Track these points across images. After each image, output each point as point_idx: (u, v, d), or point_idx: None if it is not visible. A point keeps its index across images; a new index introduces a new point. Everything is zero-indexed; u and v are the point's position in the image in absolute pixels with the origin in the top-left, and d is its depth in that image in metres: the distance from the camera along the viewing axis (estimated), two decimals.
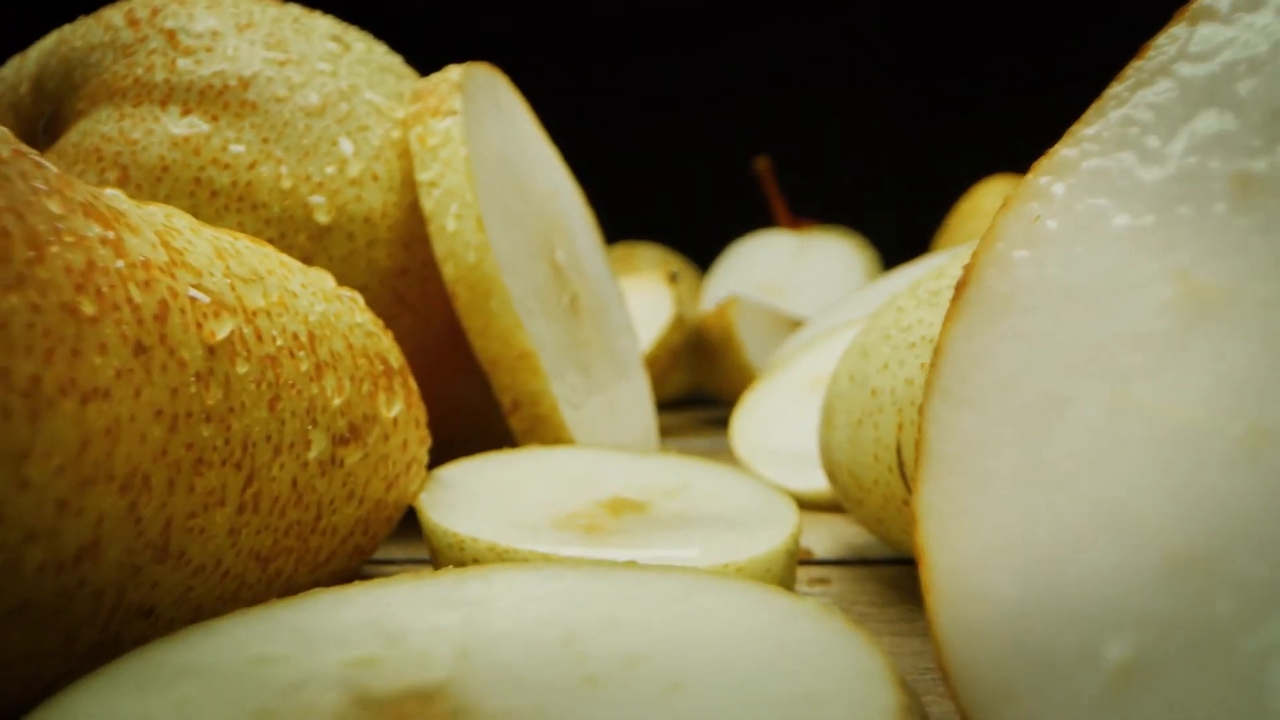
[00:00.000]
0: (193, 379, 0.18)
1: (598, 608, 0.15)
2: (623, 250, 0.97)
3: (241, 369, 0.20)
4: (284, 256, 0.24)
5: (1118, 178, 0.14)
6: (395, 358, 0.26)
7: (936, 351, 0.15)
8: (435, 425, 0.39)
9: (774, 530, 0.26)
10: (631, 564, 0.24)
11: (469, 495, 0.28)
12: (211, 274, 0.20)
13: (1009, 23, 1.04)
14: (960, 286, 0.15)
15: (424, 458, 0.27)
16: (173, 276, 0.19)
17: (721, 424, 0.68)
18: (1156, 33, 0.15)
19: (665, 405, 0.77)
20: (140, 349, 0.17)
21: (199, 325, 0.19)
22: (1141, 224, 0.14)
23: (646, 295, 0.70)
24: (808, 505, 0.40)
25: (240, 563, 0.20)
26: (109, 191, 0.20)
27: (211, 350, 0.19)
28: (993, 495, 0.13)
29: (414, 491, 0.27)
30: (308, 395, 0.22)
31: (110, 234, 0.17)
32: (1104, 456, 0.13)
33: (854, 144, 1.10)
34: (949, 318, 0.15)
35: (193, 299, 0.19)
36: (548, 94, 0.60)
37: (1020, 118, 1.01)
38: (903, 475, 0.25)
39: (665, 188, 1.09)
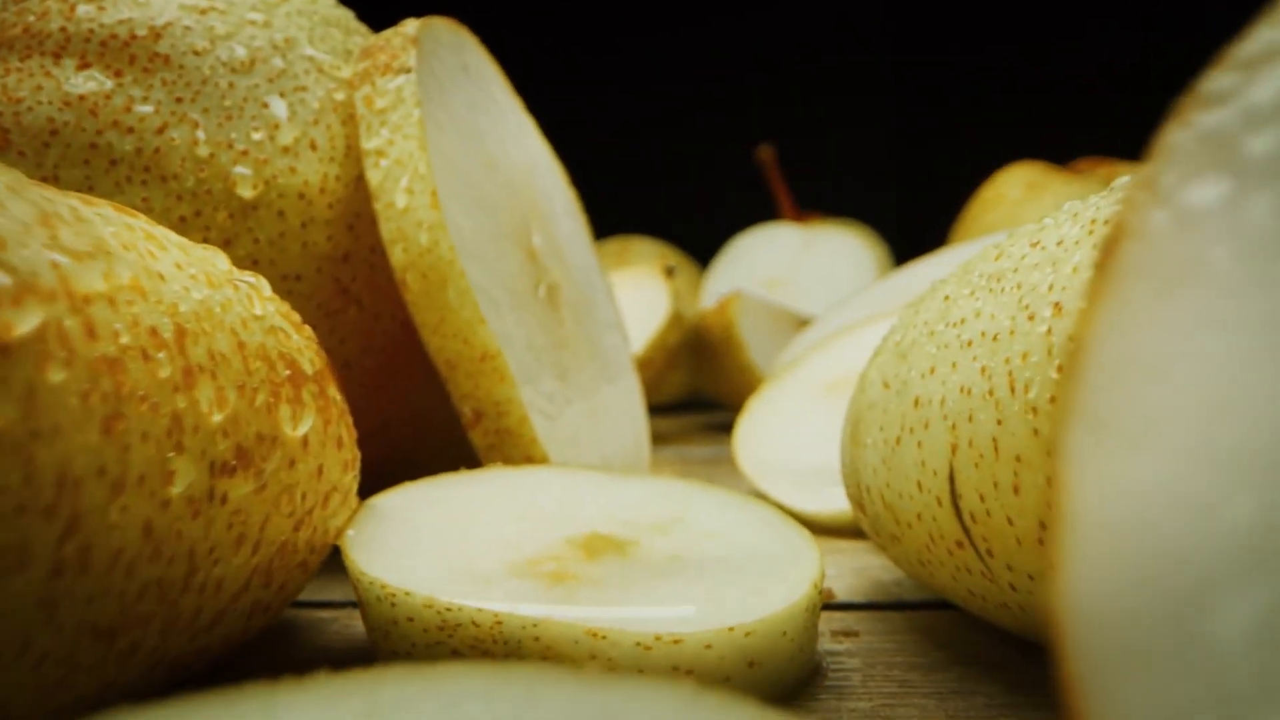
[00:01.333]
0: None
1: None
2: (617, 245, 0.92)
3: (56, 376, 0.14)
4: (161, 230, 0.19)
5: None
6: (310, 360, 0.20)
7: (1075, 353, 0.09)
8: (392, 439, 0.34)
9: (791, 579, 0.21)
10: (595, 640, 0.18)
11: (409, 531, 0.22)
12: (23, 246, 0.14)
13: (1011, 13, 0.99)
14: (1109, 246, 0.09)
15: (350, 485, 0.22)
16: None
17: (722, 429, 0.63)
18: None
19: (662, 409, 0.72)
20: None
21: None
22: None
23: (641, 291, 0.65)
24: (823, 530, 0.34)
25: (65, 643, 0.15)
26: None
27: (4, 351, 0.13)
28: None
29: (337, 528, 0.22)
30: (169, 411, 0.16)
31: None
32: None
33: (855, 135, 1.05)
34: (1093, 298, 0.09)
35: None
36: (538, 78, 0.54)
37: (1023, 109, 0.96)
38: (957, 511, 0.20)
39: (663, 179, 1.03)
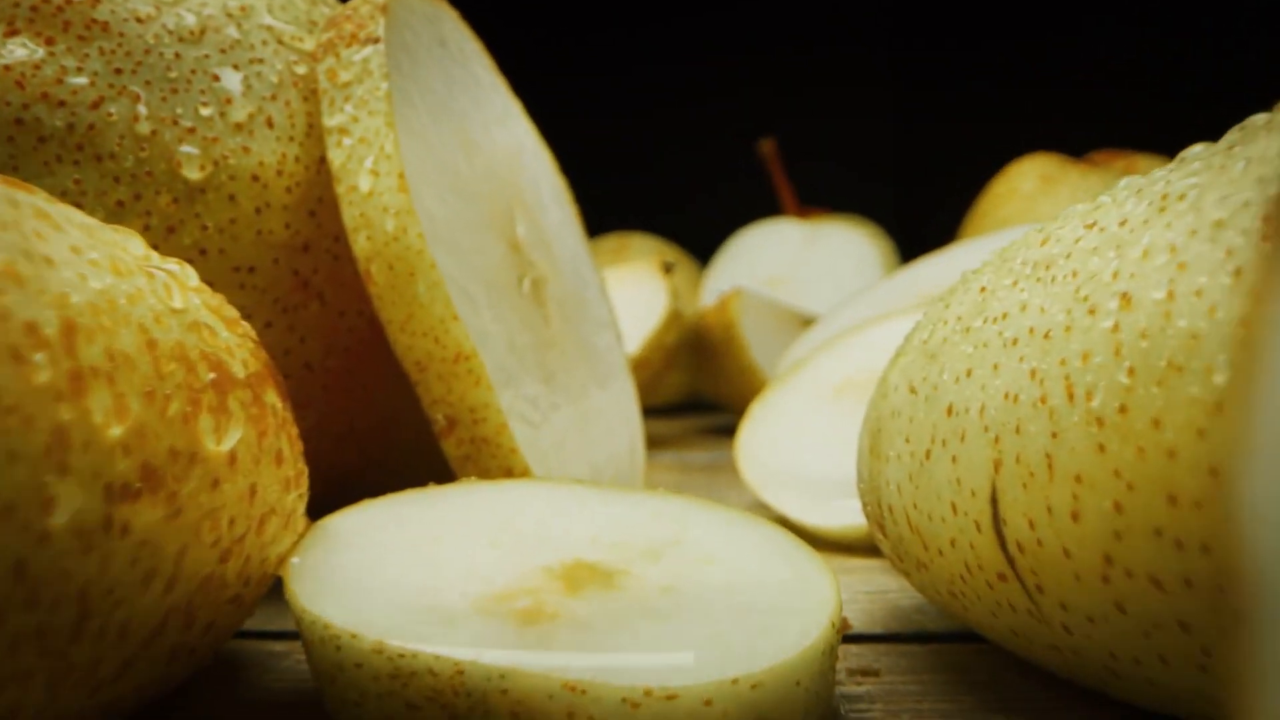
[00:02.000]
0: None
1: None
2: (614, 241, 0.89)
3: None
4: (61, 208, 0.16)
5: None
6: (243, 362, 0.17)
7: (1249, 348, 0.06)
8: (362, 446, 0.31)
9: (804, 614, 0.18)
10: (573, 695, 0.15)
11: (363, 559, 0.19)
12: None
13: (1014, 6, 0.96)
14: None
15: (293, 506, 0.19)
16: None
17: (722, 432, 0.60)
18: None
19: (660, 411, 0.69)
20: None
21: None
22: None
23: (637, 288, 0.62)
24: (832, 546, 0.32)
25: None
26: None
27: None
28: None
29: (279, 555, 0.19)
30: (48, 425, 0.13)
31: None
32: None
33: (859, 128, 1.02)
34: (1273, 267, 0.06)
35: None
36: (531, 68, 0.52)
37: (1026, 103, 0.93)
38: (1000, 538, 0.17)
39: (661, 173, 1.00)
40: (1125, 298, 0.15)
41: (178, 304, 0.16)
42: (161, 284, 0.16)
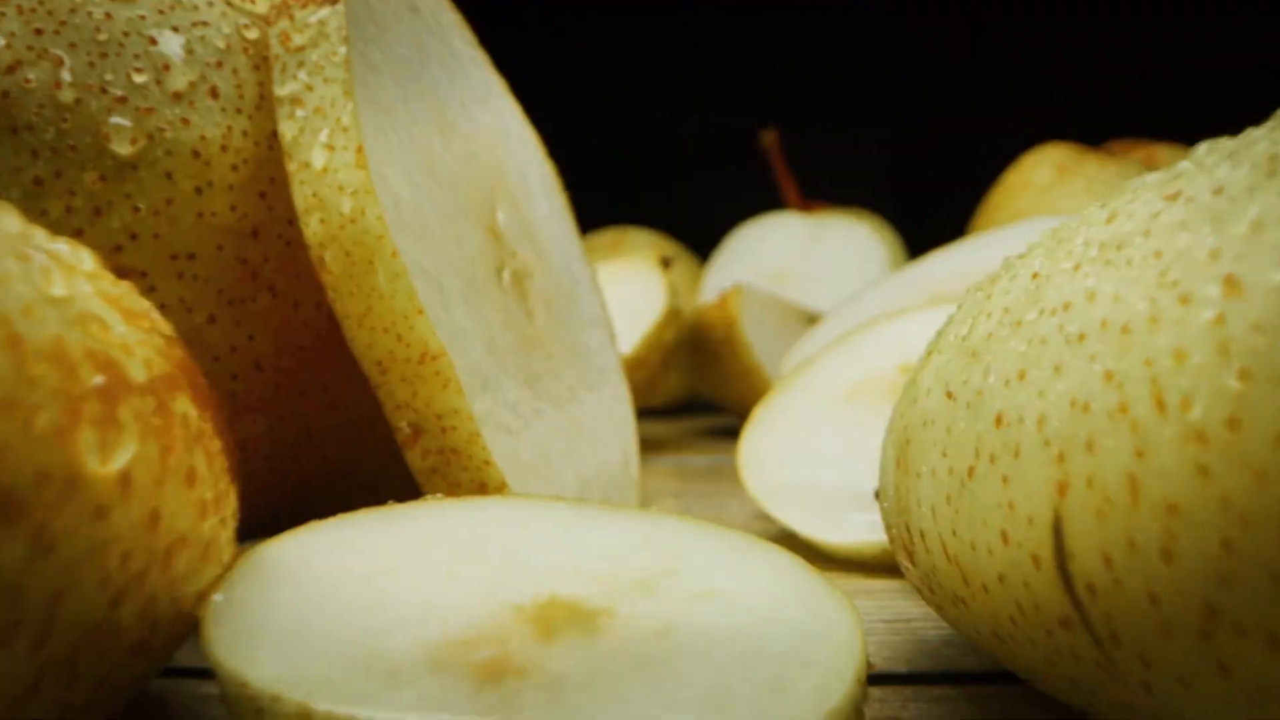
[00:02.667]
0: None
1: None
2: (612, 236, 0.86)
3: None
4: None
5: None
6: (146, 363, 0.14)
7: None
8: (322, 454, 0.28)
9: (825, 666, 0.15)
10: None
11: (300, 595, 0.16)
12: None
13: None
14: None
15: (212, 534, 0.16)
16: None
17: (723, 435, 0.57)
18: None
19: (657, 413, 0.66)
20: None
21: None
22: None
23: (634, 284, 0.59)
24: (845, 565, 0.29)
25: None
26: None
27: None
28: None
29: (197, 591, 0.16)
30: None
31: None
32: None
33: (862, 121, 0.99)
34: None
35: None
36: (527, 61, 0.49)
37: (1027, 94, 0.90)
38: (1065, 576, 0.14)
39: (660, 166, 0.97)
40: (1230, 282, 0.12)
41: (59, 292, 0.13)
42: (39, 268, 0.13)
